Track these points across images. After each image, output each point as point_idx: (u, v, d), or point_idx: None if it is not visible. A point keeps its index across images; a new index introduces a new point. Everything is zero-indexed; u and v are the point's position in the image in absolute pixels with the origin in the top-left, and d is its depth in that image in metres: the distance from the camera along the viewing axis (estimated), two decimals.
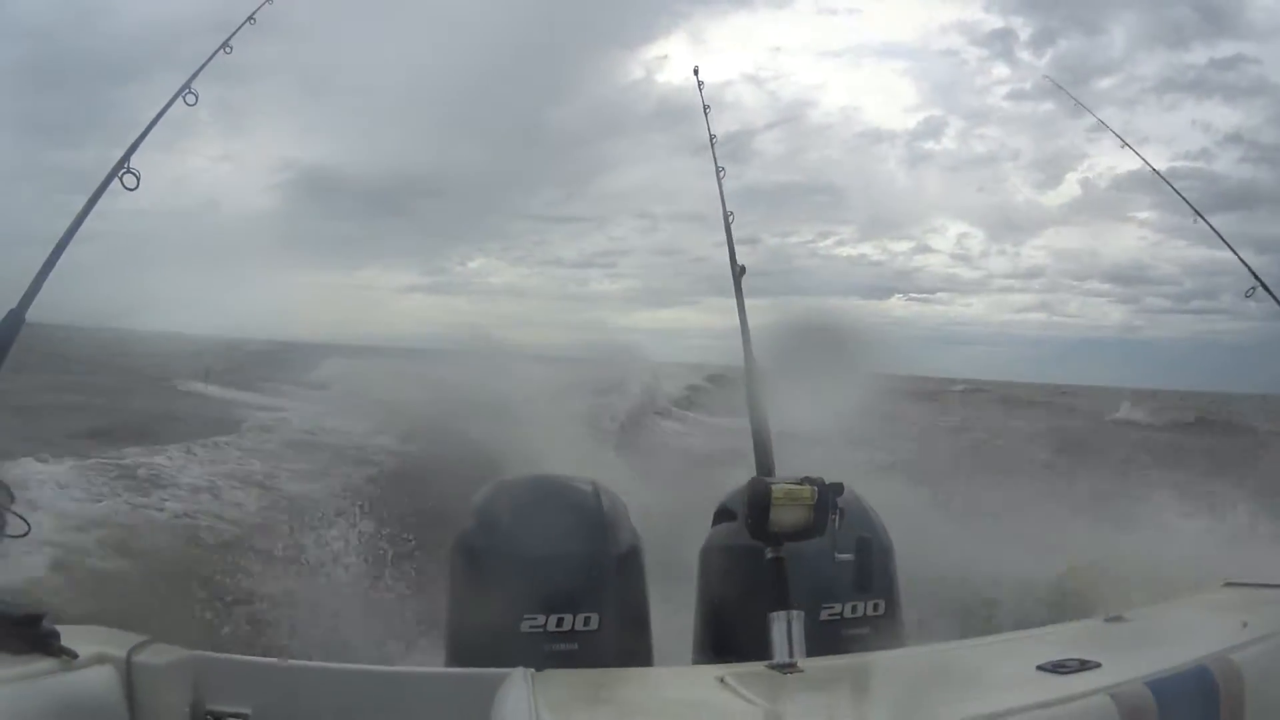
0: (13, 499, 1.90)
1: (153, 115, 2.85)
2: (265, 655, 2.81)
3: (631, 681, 2.13)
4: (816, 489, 2.04)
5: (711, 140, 3.38)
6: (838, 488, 2.09)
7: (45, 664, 1.82)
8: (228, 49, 3.28)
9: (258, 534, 5.96)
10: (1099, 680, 1.70)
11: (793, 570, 2.16)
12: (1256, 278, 3.29)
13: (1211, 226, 3.78)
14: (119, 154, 2.59)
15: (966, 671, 1.99)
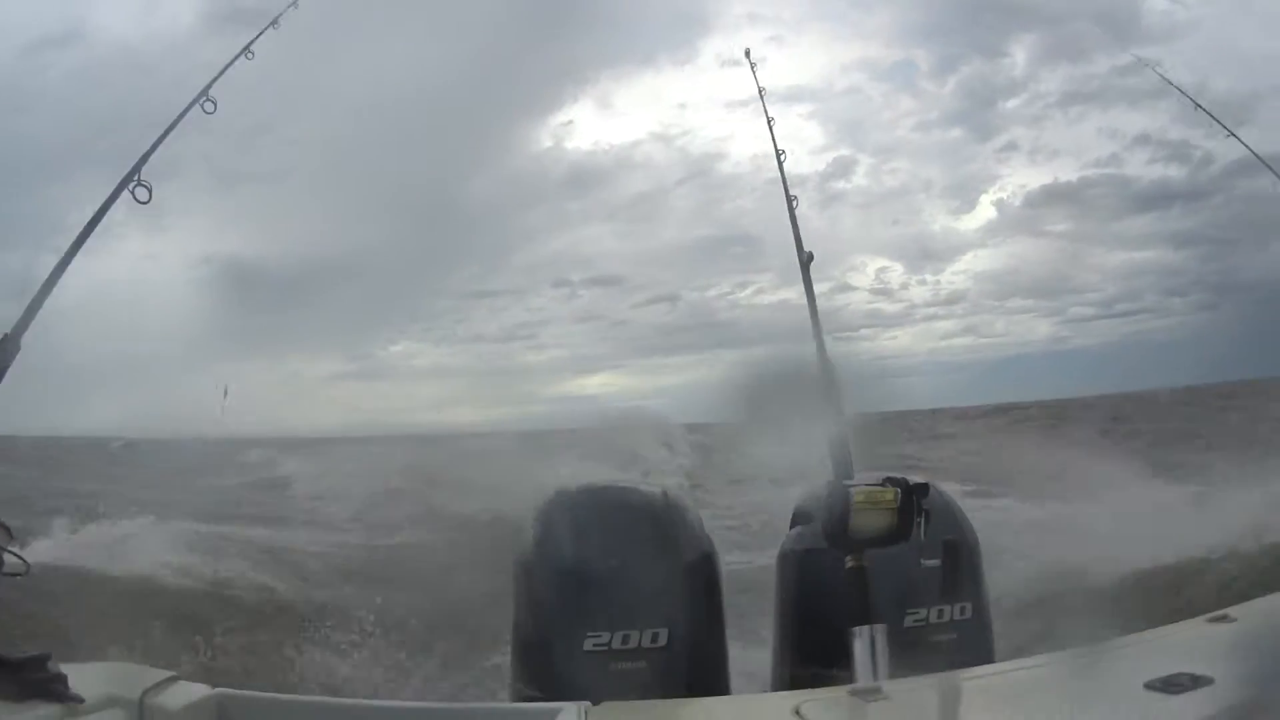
0: (11, 538, 1.76)
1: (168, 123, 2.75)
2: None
3: (696, 715, 1.93)
4: (899, 491, 1.83)
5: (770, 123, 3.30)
6: (923, 488, 1.89)
7: (51, 710, 1.66)
8: (249, 55, 3.21)
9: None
10: (1213, 701, 1.50)
11: (875, 574, 1.98)
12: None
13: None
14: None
15: (1066, 691, 1.78)
